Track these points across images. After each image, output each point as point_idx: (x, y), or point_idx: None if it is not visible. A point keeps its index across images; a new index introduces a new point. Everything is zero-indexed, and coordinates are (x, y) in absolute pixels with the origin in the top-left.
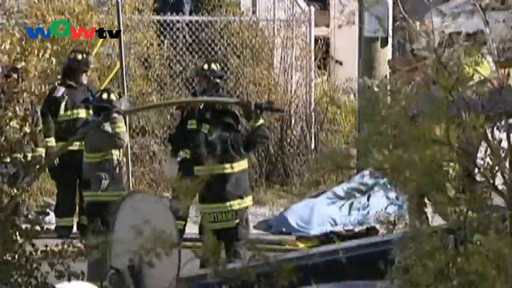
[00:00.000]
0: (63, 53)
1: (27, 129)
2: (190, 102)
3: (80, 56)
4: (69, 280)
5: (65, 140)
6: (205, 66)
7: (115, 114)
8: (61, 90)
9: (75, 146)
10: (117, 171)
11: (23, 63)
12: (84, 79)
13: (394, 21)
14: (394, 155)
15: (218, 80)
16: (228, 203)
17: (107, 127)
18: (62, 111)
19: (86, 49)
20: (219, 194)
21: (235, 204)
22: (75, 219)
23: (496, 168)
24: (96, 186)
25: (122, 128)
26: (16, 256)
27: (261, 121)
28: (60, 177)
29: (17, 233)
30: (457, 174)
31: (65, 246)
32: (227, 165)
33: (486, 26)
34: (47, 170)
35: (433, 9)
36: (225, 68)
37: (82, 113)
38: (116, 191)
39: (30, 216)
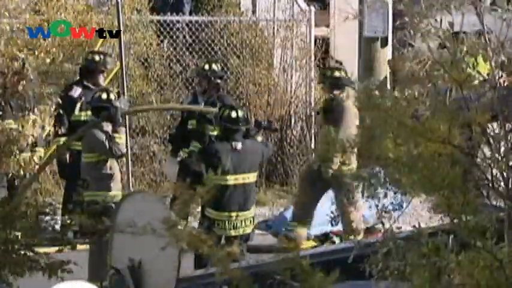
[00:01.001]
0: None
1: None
2: (191, 109)
3: (97, 57)
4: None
5: (79, 139)
6: (206, 67)
7: (120, 124)
8: (78, 91)
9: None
10: (115, 171)
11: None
12: (102, 80)
13: (394, 20)
14: (398, 148)
15: (219, 80)
16: (250, 210)
17: (106, 127)
18: (76, 112)
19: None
20: (244, 202)
21: (253, 211)
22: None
23: (495, 166)
24: (93, 186)
25: (122, 139)
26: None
27: (259, 139)
28: (69, 175)
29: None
30: (454, 174)
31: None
32: (255, 174)
33: (483, 25)
34: (57, 168)
35: (440, 7)
36: (225, 68)
37: None
38: (114, 191)
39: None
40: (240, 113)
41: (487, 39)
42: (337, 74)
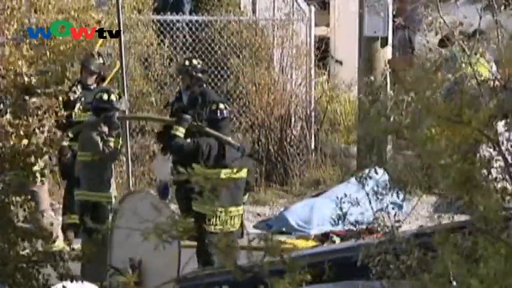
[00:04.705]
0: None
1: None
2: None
3: (96, 58)
4: (71, 281)
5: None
6: (187, 62)
7: (117, 127)
8: (78, 91)
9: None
10: (110, 171)
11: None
12: (96, 81)
13: (394, 20)
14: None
15: (200, 75)
16: (241, 207)
17: (104, 128)
18: (77, 112)
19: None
20: (237, 198)
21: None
22: None
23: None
24: (85, 185)
25: (117, 143)
26: (17, 257)
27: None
28: (69, 174)
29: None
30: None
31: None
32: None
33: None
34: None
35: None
36: (225, 68)
37: None
38: (106, 191)
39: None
40: (221, 106)
41: (499, 37)
42: None
